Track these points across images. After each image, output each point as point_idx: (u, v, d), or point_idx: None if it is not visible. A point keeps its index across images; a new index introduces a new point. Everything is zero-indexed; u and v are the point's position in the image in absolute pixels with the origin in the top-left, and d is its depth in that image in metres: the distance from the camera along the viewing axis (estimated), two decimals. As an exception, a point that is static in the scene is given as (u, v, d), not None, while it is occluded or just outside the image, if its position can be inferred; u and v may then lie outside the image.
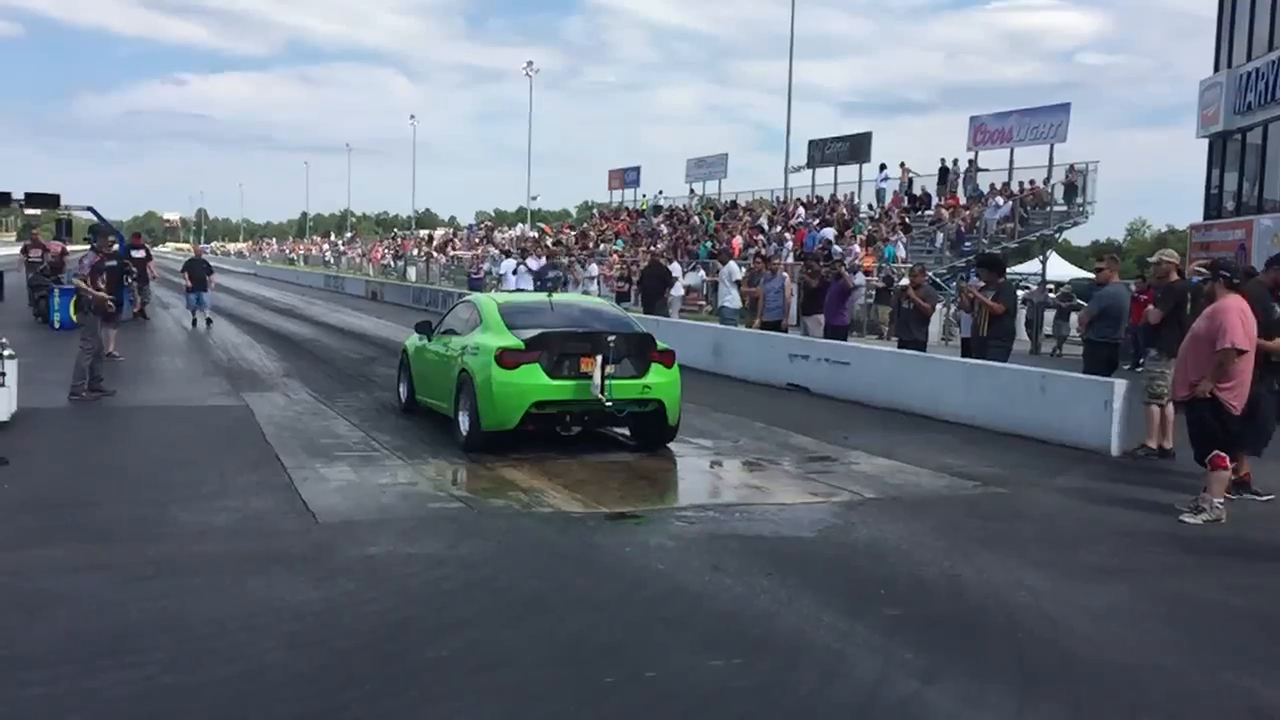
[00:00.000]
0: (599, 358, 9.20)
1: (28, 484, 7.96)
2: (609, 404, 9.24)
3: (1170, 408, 9.84)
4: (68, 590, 5.48)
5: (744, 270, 20.85)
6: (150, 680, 4.38)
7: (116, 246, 13.77)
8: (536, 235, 48.52)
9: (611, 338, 9.35)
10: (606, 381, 9.20)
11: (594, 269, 28.53)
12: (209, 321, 23.11)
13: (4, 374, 10.23)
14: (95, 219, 27.95)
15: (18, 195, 28.83)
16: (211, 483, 8.09)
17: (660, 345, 9.90)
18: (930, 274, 17.74)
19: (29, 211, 30.98)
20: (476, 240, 55.16)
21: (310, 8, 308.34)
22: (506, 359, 9.19)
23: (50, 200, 29.15)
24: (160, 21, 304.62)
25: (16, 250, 35.45)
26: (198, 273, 23.52)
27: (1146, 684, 4.65)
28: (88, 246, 13.00)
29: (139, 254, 23.89)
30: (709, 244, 34.64)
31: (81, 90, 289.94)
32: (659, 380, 9.60)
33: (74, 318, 19.63)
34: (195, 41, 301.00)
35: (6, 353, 10.44)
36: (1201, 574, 6.46)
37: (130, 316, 21.95)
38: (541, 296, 12.48)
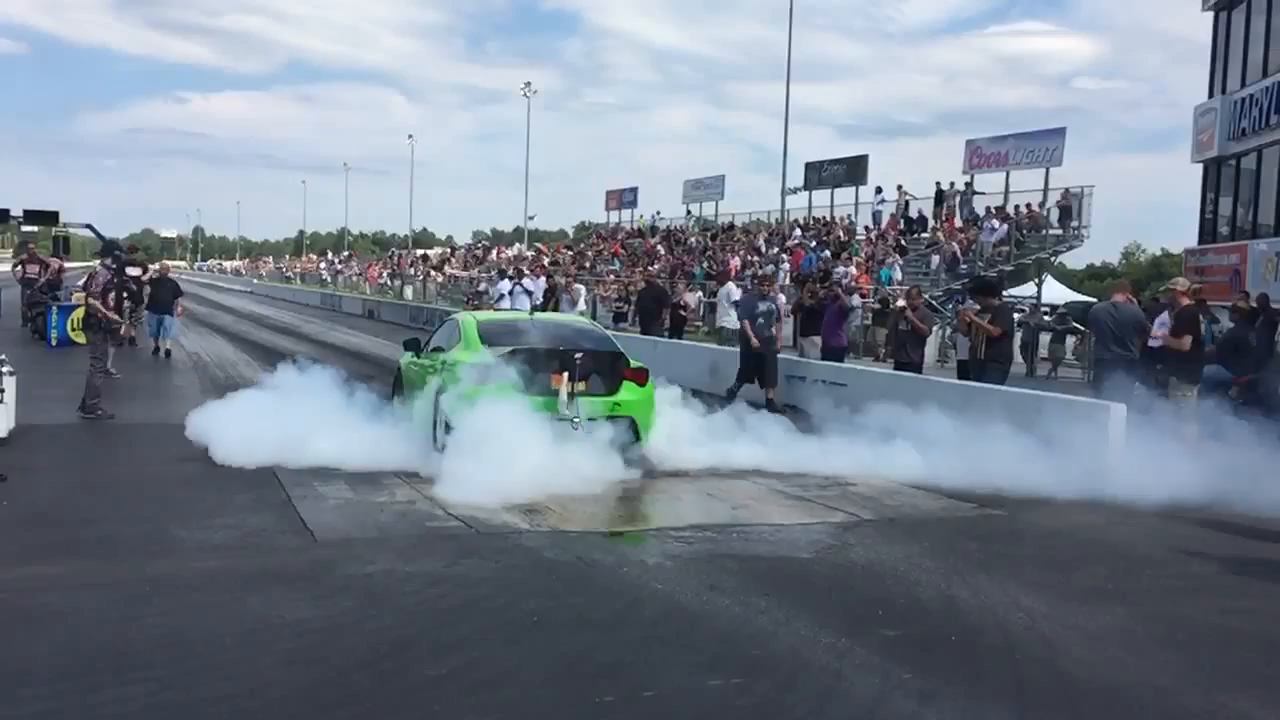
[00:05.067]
0: (565, 374, 9.31)
1: (27, 500, 7.97)
2: (575, 420, 9.27)
3: None
4: (68, 606, 5.49)
5: (742, 291, 20.90)
6: (150, 697, 4.39)
7: (116, 264, 13.85)
8: (533, 255, 48.60)
9: (578, 354, 9.47)
10: (575, 398, 9.28)
11: (579, 290, 28.35)
12: (168, 352, 19.70)
13: (3, 390, 10.25)
14: (94, 236, 27.99)
15: (16, 212, 28.90)
16: (210, 500, 8.10)
17: (634, 363, 10.00)
18: (926, 296, 17.81)
19: (26, 228, 31.02)
20: (476, 256, 55.26)
21: (312, 28, 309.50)
22: (474, 374, 9.33)
23: (49, 217, 29.24)
24: (163, 41, 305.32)
25: (8, 266, 35.34)
26: (161, 293, 20.11)
27: (1143, 705, 4.67)
28: (97, 263, 12.86)
29: (134, 271, 21.44)
30: (704, 265, 34.75)
31: (82, 108, 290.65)
32: (630, 398, 9.72)
33: (73, 336, 19.66)
34: (197, 60, 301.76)
35: (6, 369, 10.47)
36: (1199, 596, 6.48)
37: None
38: (524, 315, 12.64)
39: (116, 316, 12.34)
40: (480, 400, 8.95)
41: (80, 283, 12.66)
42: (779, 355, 14.81)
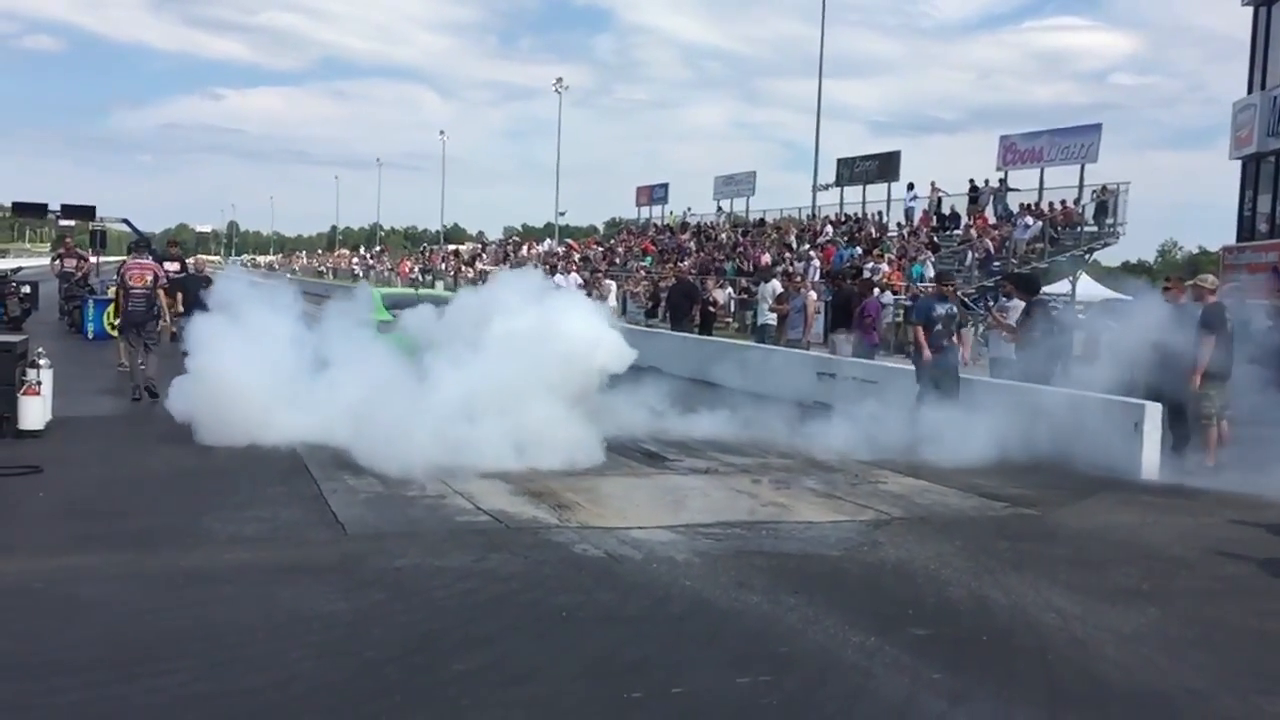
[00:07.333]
0: None
1: (62, 492, 8.08)
2: None
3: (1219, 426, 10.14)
4: (102, 597, 5.56)
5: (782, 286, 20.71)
6: (183, 688, 4.43)
7: (150, 258, 14.56)
8: (564, 250, 48.69)
9: None
10: None
11: (610, 285, 28.35)
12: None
13: (40, 383, 10.39)
14: (130, 230, 28.29)
15: (54, 207, 29.25)
16: (242, 492, 8.18)
17: None
18: (960, 294, 17.67)
19: (64, 223, 31.39)
20: (507, 251, 55.45)
21: (347, 25, 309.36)
22: (381, 327, 13.33)
23: (86, 212, 29.54)
24: (199, 38, 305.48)
25: (46, 260, 35.73)
26: (192, 293, 15.44)
27: (1177, 708, 4.61)
28: (131, 257, 14.43)
29: (173, 266, 19.40)
30: (735, 261, 34.67)
31: (119, 104, 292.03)
32: None
33: (110, 330, 19.84)
34: (232, 57, 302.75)
35: (43, 362, 10.61)
36: (1234, 599, 6.39)
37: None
38: (411, 291, 16.42)
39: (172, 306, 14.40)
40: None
41: (146, 277, 13.76)
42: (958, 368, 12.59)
